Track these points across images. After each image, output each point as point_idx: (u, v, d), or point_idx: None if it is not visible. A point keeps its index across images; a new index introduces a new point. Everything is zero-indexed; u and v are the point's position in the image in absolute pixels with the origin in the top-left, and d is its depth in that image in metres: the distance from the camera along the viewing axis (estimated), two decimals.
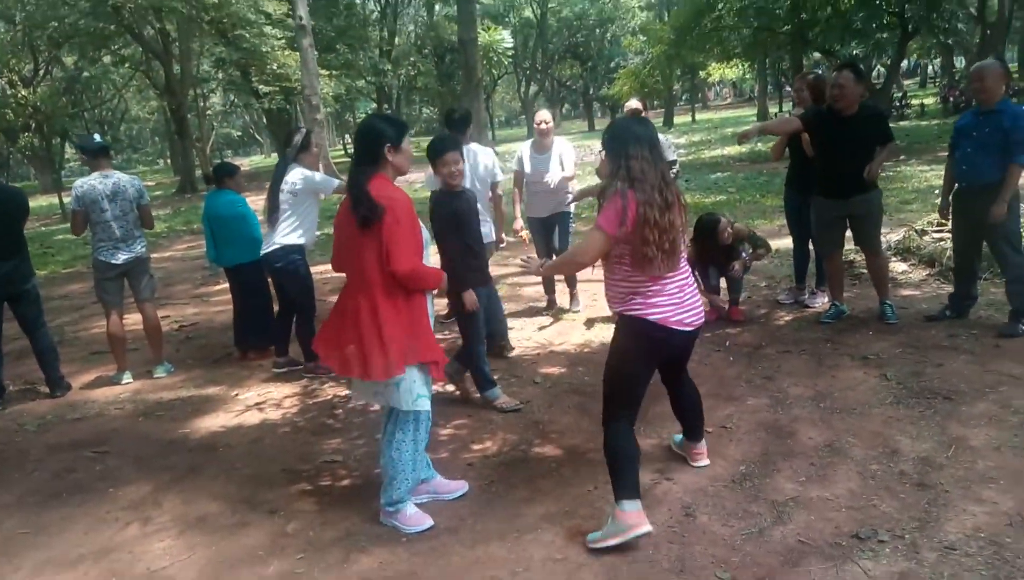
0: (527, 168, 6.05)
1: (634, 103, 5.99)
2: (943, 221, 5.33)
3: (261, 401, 4.97)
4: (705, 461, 3.46)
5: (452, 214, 4.25)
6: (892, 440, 3.47)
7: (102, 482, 3.96)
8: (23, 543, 3.39)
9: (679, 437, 3.60)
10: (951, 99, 22.96)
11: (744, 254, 5.61)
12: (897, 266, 6.46)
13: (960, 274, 5.07)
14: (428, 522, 3.16)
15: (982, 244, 4.92)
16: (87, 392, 5.49)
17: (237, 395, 5.14)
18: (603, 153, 3.27)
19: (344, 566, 2.96)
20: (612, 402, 3.08)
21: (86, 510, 3.65)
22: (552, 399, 4.49)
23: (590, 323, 6.04)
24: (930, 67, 50.69)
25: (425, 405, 3.09)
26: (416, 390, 3.04)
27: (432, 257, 3.27)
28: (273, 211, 5.13)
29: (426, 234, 3.14)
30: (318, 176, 5.25)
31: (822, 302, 5.72)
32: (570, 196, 5.98)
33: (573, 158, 6.09)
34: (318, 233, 5.74)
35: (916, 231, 6.92)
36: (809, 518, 2.92)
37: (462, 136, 5.47)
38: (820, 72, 5.71)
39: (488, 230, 5.46)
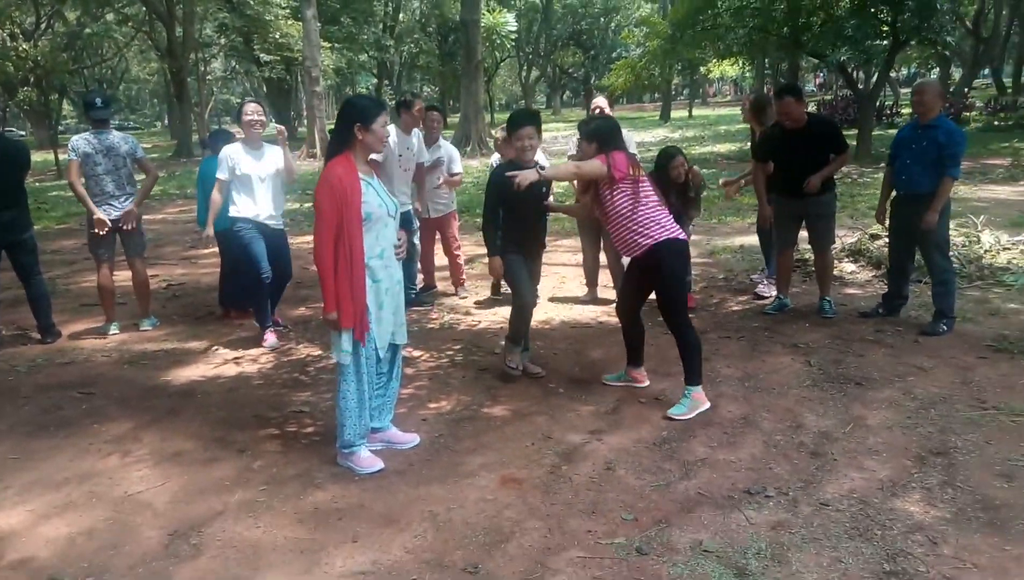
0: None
1: (601, 101, 6.27)
2: (880, 225, 5.74)
3: (239, 356, 5.33)
4: (645, 382, 4.39)
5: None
6: (800, 416, 3.87)
7: (87, 418, 4.32)
8: (12, 467, 3.74)
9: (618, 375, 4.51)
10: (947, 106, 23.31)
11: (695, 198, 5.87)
12: (847, 266, 6.87)
13: (893, 275, 5.47)
14: (379, 465, 3.54)
15: (915, 249, 5.31)
16: (76, 340, 5.83)
17: (217, 350, 5.50)
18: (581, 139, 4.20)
19: (300, 498, 3.33)
20: (684, 309, 4.11)
21: (72, 441, 4.01)
22: None
23: (553, 302, 6.41)
24: (928, 77, 51.01)
25: (346, 359, 3.40)
26: (341, 344, 3.39)
27: (380, 231, 3.41)
28: None
29: (376, 207, 3.34)
30: (219, 156, 5.48)
31: (771, 292, 6.12)
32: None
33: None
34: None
35: (869, 235, 7.32)
36: (711, 475, 3.31)
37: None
38: (764, 92, 6.19)
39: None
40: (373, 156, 3.59)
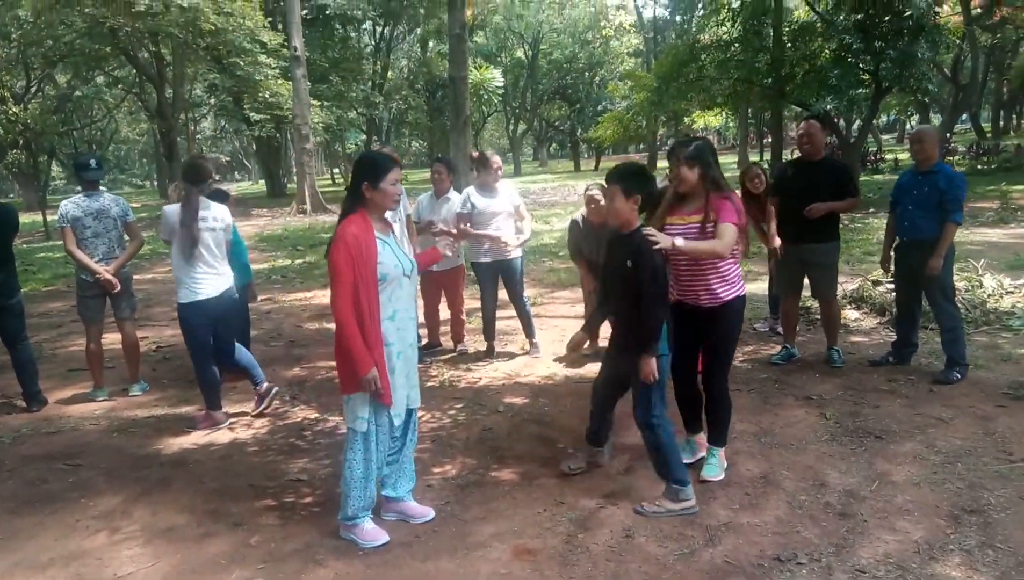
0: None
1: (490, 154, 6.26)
2: (885, 273, 5.68)
3: (232, 421, 5.14)
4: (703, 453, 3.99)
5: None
6: (822, 474, 3.72)
7: (74, 492, 4.11)
8: None
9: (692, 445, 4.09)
10: None
11: None
12: (850, 314, 6.77)
13: (901, 322, 5.37)
14: (384, 537, 3.35)
15: (922, 295, 5.23)
16: (63, 407, 5.63)
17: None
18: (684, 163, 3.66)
19: (301, 576, 3.14)
20: (727, 369, 3.88)
21: (57, 518, 3.80)
22: (512, 428, 4.70)
23: (557, 358, 6.26)
24: (908, 123, 52.07)
25: (362, 426, 3.25)
26: (357, 410, 3.23)
27: (394, 292, 3.28)
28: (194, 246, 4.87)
29: (391, 268, 3.23)
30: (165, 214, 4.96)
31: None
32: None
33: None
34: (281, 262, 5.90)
35: (871, 282, 7.25)
36: (737, 541, 3.14)
37: None
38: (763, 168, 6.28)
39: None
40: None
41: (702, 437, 4.02)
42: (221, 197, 6.10)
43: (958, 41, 19.96)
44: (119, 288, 5.62)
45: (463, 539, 3.35)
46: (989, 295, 6.72)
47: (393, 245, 3.33)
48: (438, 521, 3.53)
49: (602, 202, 5.73)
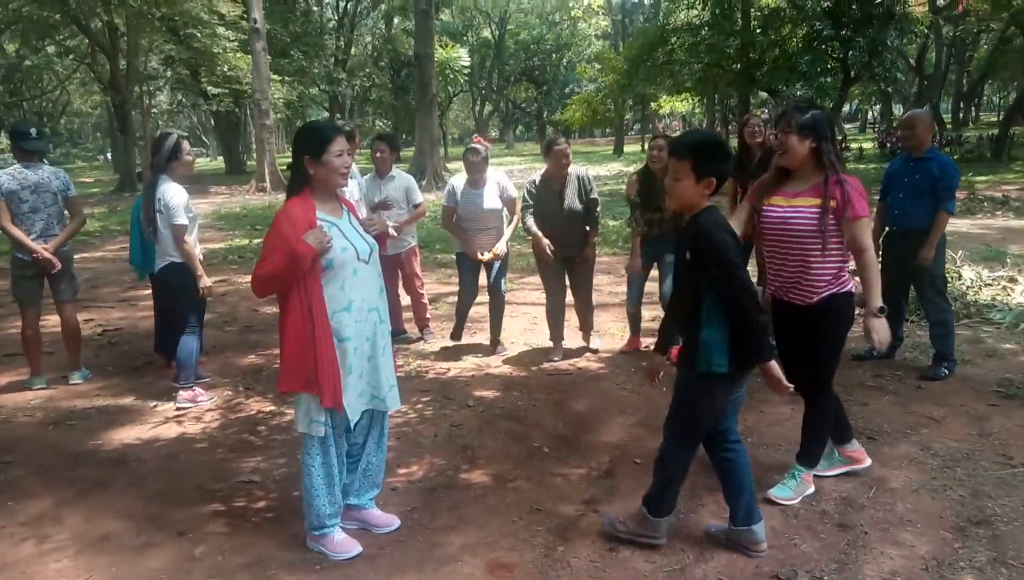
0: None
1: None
2: None
3: (180, 413, 4.76)
4: (867, 462, 3.54)
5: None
6: (815, 479, 3.48)
7: (1, 494, 3.72)
8: None
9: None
10: (888, 144, 23.85)
11: None
12: None
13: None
14: (356, 548, 3.04)
15: (909, 287, 5.05)
16: None
17: (155, 406, 4.92)
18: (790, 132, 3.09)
19: None
20: (829, 377, 3.29)
21: None
22: (483, 424, 4.41)
23: (527, 346, 5.98)
24: (870, 113, 52.73)
25: (319, 430, 2.90)
26: (311, 413, 2.89)
27: (347, 279, 2.89)
28: (150, 224, 4.82)
29: (339, 252, 2.85)
30: (173, 201, 4.75)
31: None
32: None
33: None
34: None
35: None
36: (730, 556, 2.90)
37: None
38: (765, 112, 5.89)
39: None
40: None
41: (849, 449, 3.53)
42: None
43: (926, 30, 20.03)
44: (58, 268, 5.18)
45: (431, 551, 3.05)
46: (968, 287, 6.61)
47: (345, 227, 2.94)
48: (404, 531, 3.22)
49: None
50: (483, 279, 5.81)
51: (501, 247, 5.61)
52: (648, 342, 5.86)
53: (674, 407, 2.88)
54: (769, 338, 2.74)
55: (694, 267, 2.70)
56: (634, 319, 5.71)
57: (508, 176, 6.08)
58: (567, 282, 5.63)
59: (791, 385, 2.75)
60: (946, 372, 4.77)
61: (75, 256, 5.78)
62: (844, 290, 3.15)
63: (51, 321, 5.74)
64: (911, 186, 4.79)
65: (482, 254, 5.59)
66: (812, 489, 3.36)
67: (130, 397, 5.12)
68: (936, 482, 3.43)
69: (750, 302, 2.61)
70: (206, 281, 4.94)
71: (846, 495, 3.34)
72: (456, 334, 6.00)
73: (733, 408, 2.95)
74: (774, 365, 2.69)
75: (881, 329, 3.05)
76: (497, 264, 5.69)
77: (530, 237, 5.47)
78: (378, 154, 5.82)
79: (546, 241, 5.32)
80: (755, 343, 2.65)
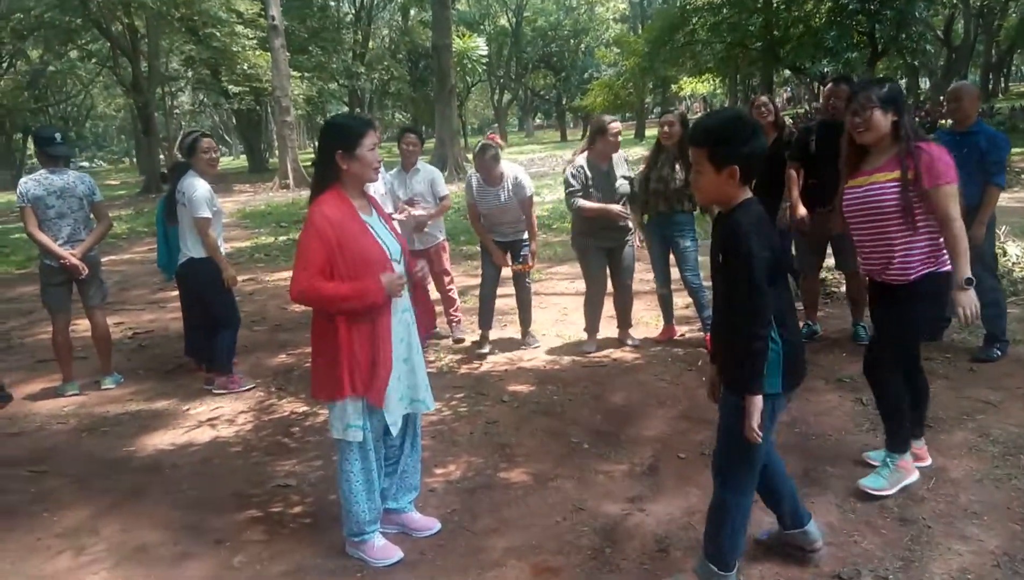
0: None
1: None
2: None
3: (213, 417, 4.72)
4: (927, 460, 3.34)
5: None
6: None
7: (36, 505, 3.68)
8: None
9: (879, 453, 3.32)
10: (918, 119, 23.34)
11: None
12: None
13: None
14: (396, 554, 2.95)
15: None
16: (29, 403, 5.19)
17: (188, 410, 4.88)
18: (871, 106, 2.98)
19: None
20: (898, 360, 3.14)
21: (16, 536, 3.38)
22: (520, 420, 4.31)
23: (559, 338, 5.87)
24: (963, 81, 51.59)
25: (356, 435, 2.80)
26: (347, 419, 2.80)
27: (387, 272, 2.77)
28: (170, 217, 4.95)
29: (377, 254, 2.78)
30: (195, 194, 4.84)
31: None
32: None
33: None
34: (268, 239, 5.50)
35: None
36: (787, 555, 2.77)
37: None
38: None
39: None
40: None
41: (916, 445, 3.33)
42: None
43: (955, 1, 19.50)
44: (86, 273, 5.16)
45: (474, 556, 2.96)
46: (1014, 263, 6.37)
47: (376, 224, 2.85)
48: (445, 534, 3.14)
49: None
50: (507, 271, 5.71)
51: (531, 261, 5.58)
52: (683, 330, 5.73)
53: (724, 441, 2.49)
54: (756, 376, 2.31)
55: (727, 270, 2.35)
56: (666, 302, 5.58)
57: (525, 170, 5.94)
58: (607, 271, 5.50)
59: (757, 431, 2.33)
60: (999, 353, 4.58)
61: (102, 259, 5.78)
62: (943, 270, 3.00)
63: (82, 325, 5.73)
64: (958, 162, 4.50)
65: (514, 263, 5.59)
66: (915, 477, 3.16)
67: (163, 401, 5.09)
68: (999, 471, 3.27)
69: (754, 327, 2.25)
70: (231, 272, 5.06)
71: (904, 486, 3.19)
72: (483, 322, 5.72)
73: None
74: (758, 401, 2.31)
75: (968, 302, 2.91)
76: (522, 254, 5.58)
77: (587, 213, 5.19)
78: (410, 146, 5.72)
79: (618, 207, 5.16)
80: (741, 368, 2.32)
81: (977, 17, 31.19)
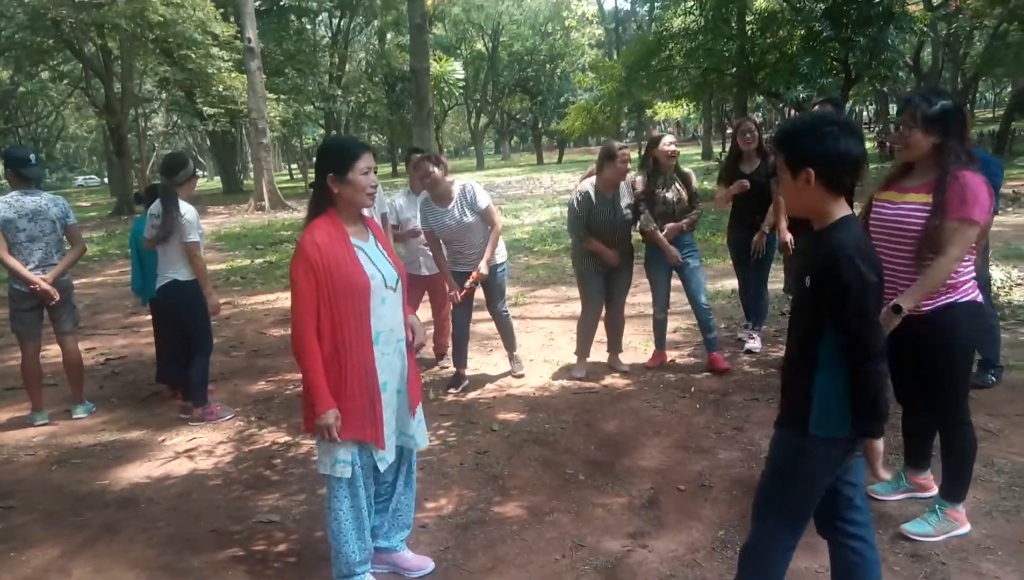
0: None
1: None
2: None
3: (191, 447, 4.53)
4: (934, 490, 3.21)
5: None
6: (876, 502, 3.25)
7: (3, 543, 3.48)
8: None
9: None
10: (887, 144, 23.73)
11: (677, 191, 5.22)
12: None
13: None
14: None
15: None
16: None
17: (164, 440, 4.69)
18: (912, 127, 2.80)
19: None
20: (955, 399, 2.97)
21: None
22: (511, 450, 4.17)
23: (547, 363, 5.75)
24: (864, 113, 52.67)
25: (345, 471, 2.66)
26: (336, 454, 2.66)
27: (376, 309, 2.67)
28: (162, 240, 4.80)
29: (380, 275, 2.68)
30: (186, 218, 4.74)
31: (756, 345, 5.59)
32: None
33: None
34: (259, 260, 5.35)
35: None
36: None
37: None
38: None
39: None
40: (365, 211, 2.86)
41: (920, 477, 3.30)
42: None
43: (925, 28, 19.88)
44: (58, 299, 4.96)
45: None
46: (999, 288, 6.39)
47: (371, 250, 2.72)
48: (439, 573, 2.99)
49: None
50: (481, 302, 5.48)
51: (482, 268, 4.99)
52: (673, 355, 5.64)
53: (769, 480, 2.25)
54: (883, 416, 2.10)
55: (815, 297, 2.08)
56: (660, 327, 5.49)
57: (508, 185, 5.78)
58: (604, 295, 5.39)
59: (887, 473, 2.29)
60: (993, 379, 4.55)
61: (75, 282, 5.57)
62: (965, 299, 2.86)
63: (52, 350, 5.51)
64: None
65: (458, 293, 5.08)
66: (966, 528, 2.98)
67: (137, 431, 4.88)
68: (1007, 502, 3.20)
69: (869, 362, 2.01)
70: (215, 299, 4.99)
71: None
72: (457, 361, 5.39)
73: (856, 481, 2.29)
74: (879, 443, 2.11)
75: (888, 326, 2.73)
76: (497, 281, 5.28)
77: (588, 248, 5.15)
78: (423, 169, 5.14)
79: (612, 251, 5.12)
80: (863, 408, 2.06)
81: (944, 45, 31.95)
